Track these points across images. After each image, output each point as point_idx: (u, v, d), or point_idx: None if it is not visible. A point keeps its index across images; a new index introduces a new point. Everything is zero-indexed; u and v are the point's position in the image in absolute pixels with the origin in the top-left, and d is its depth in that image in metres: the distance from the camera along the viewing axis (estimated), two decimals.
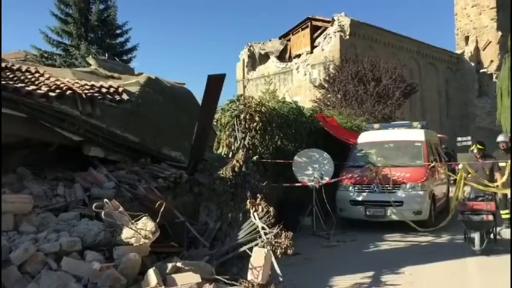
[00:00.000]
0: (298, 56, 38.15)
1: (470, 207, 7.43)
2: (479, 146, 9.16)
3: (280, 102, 10.48)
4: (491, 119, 33.24)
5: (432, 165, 10.03)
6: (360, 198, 9.80)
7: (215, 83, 6.76)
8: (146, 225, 4.67)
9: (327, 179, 9.42)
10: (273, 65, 39.55)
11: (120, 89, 7.95)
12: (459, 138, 30.04)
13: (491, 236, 7.59)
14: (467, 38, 47.10)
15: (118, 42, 26.44)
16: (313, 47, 36.97)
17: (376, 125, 12.39)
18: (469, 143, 31.07)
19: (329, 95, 22.36)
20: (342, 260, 7.42)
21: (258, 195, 6.32)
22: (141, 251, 4.62)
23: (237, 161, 7.42)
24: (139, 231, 4.58)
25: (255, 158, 8.61)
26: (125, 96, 7.80)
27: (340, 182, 10.11)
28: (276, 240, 5.40)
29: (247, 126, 8.50)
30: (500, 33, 44.41)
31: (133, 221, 4.77)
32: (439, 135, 15.35)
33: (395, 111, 21.41)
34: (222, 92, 7.32)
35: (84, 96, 7.12)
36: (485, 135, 39.48)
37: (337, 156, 10.70)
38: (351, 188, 9.99)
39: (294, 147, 10.30)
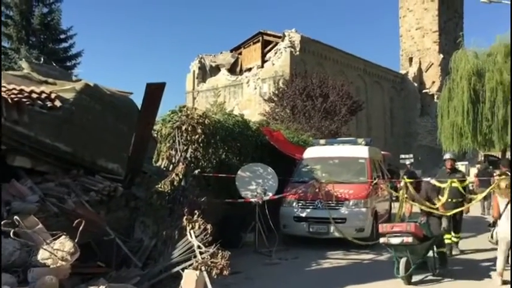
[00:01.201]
0: (249, 69, 38.26)
1: (390, 228, 6.78)
2: (407, 180, 8.47)
3: (225, 114, 10.24)
4: (432, 137, 34.61)
5: (375, 182, 10.06)
6: (303, 215, 9.66)
7: (154, 92, 6.41)
8: (64, 245, 4.22)
9: (270, 195, 9.22)
10: (223, 77, 39.43)
11: (53, 95, 7.38)
12: (402, 156, 31.05)
13: (425, 261, 6.94)
14: (411, 59, 49.12)
15: (61, 48, 25.44)
16: (264, 61, 37.24)
17: (322, 141, 12.40)
18: (412, 160, 32.17)
19: (277, 109, 22.41)
20: (283, 279, 7.20)
21: (196, 211, 5.99)
22: (60, 273, 4.17)
23: (177, 175, 7.08)
24: (56, 252, 4.14)
25: (196, 171, 8.29)
26: (57, 103, 7.25)
27: (284, 198, 9.94)
28: (211, 260, 5.09)
29: (189, 138, 8.17)
30: (441, 55, 46.60)
31: (49, 241, 4.31)
32: (382, 152, 15.64)
33: (341, 127, 21.76)
34: (165, 102, 7.00)
35: (10, 101, 6.54)
36: (427, 153, 41.13)
37: (283, 171, 10.57)
38: (294, 204, 9.84)
39: (239, 161, 10.06)
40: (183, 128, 8.08)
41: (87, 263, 5.30)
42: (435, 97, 43.63)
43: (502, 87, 23.04)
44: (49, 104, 7.18)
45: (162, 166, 8.09)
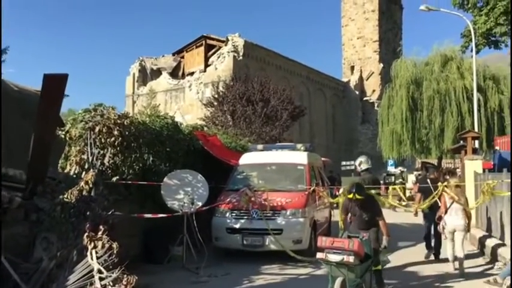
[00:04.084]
0: (192, 73, 37.32)
1: (330, 244, 5.86)
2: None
3: (152, 116, 9.27)
4: (373, 144, 35.04)
5: (312, 188, 9.46)
6: (237, 226, 8.88)
7: (54, 85, 5.42)
8: None
9: (199, 205, 8.37)
10: (164, 81, 38.24)
11: None
12: (343, 163, 31.21)
13: (363, 283, 5.99)
14: (352, 68, 49.99)
15: None
16: (207, 65, 36.47)
17: (260, 146, 11.73)
18: (353, 167, 32.28)
19: (217, 114, 21.65)
20: None
21: (101, 227, 5.05)
22: None
23: (86, 183, 6.08)
24: None
25: (114, 179, 7.31)
26: None
27: (217, 208, 9.13)
28: (114, 287, 4.19)
29: (103, 141, 7.16)
30: (381, 64, 47.70)
31: None
32: (323, 158, 15.19)
33: (283, 133, 21.29)
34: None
35: None
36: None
37: (219, 178, 9.79)
38: (228, 214, 9.04)
39: (168, 167, 9.14)
40: (97, 129, 7.06)
41: None
42: (375, 105, 44.54)
43: (439, 96, 23.55)
44: None
45: (72, 172, 7.04)
